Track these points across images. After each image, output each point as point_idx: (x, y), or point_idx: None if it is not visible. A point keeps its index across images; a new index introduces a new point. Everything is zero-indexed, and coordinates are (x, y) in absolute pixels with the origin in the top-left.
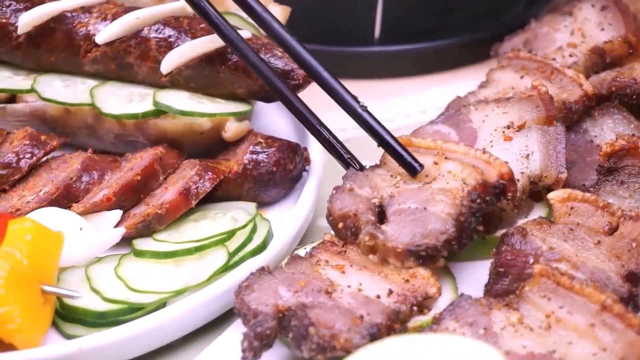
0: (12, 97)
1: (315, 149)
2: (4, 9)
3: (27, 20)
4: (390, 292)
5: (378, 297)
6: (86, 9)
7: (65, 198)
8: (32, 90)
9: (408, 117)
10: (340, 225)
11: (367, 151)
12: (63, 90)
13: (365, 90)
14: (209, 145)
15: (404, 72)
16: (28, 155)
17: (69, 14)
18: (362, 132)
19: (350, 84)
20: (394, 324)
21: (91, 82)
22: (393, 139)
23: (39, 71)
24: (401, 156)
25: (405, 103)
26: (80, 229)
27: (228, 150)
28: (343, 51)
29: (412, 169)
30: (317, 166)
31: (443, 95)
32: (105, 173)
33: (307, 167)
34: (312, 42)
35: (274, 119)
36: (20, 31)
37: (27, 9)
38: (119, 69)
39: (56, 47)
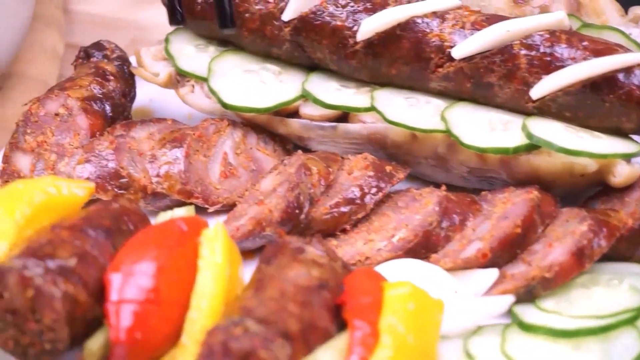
0: (343, 114)
1: None
2: (339, 8)
3: (371, 27)
4: None
5: None
6: (439, 15)
7: (423, 247)
8: (372, 109)
9: None
10: None
11: None
12: (407, 110)
13: None
14: (583, 189)
15: None
16: (373, 190)
17: (420, 21)
18: None
19: None
20: None
21: (437, 102)
22: None
23: (371, 84)
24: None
25: None
26: (455, 291)
27: (610, 198)
28: None
29: (227, 23)
30: None
31: None
32: (466, 218)
33: None
34: None
35: None
36: (360, 37)
37: (367, 10)
38: (474, 89)
39: (400, 58)
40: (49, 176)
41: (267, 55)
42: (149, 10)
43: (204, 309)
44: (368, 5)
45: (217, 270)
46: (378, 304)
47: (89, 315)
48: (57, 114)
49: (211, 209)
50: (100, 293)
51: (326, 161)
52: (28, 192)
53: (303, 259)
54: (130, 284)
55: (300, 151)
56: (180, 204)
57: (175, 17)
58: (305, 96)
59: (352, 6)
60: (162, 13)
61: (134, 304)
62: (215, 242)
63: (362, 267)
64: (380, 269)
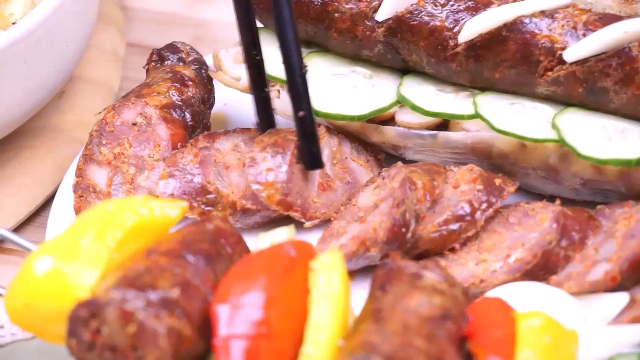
0: (443, 121)
1: None
2: (438, 7)
3: (475, 28)
4: None
5: None
6: (548, 14)
7: (542, 269)
8: (476, 116)
9: None
10: None
11: None
12: (514, 117)
13: None
14: None
15: None
16: (484, 205)
17: (527, 20)
18: None
19: None
20: None
21: (544, 107)
22: (311, 119)
23: (470, 88)
24: (310, 144)
25: None
26: (585, 319)
27: None
28: None
29: (313, 164)
30: None
31: None
32: (586, 236)
33: None
34: None
35: None
36: (462, 39)
37: (469, 9)
38: (586, 94)
39: (506, 61)
40: (140, 196)
41: (355, 58)
42: (210, 6)
43: (322, 344)
44: (470, 3)
45: (335, 301)
46: (511, 338)
47: (194, 352)
48: (134, 124)
49: (308, 224)
50: (204, 327)
51: (430, 174)
52: (118, 214)
53: (422, 286)
54: (239, 317)
55: (400, 163)
56: (270, 221)
57: (315, 164)
58: (402, 102)
59: (452, 5)
60: (224, 9)
61: (244, 339)
62: (332, 270)
63: (477, 290)
64: (496, 292)
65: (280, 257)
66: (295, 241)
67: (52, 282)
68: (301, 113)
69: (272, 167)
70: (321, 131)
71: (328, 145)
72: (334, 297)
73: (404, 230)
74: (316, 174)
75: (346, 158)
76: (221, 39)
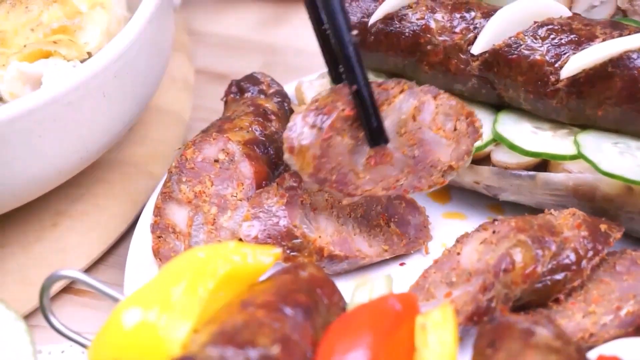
0: (542, 161)
1: None
2: (538, 40)
3: (579, 63)
4: None
5: None
6: None
7: None
8: (579, 156)
9: None
10: None
11: None
12: (618, 158)
13: None
14: None
15: None
16: (590, 253)
17: (635, 56)
18: None
19: None
20: None
21: None
22: (368, 91)
23: (568, 126)
24: (368, 118)
25: None
26: None
27: None
28: None
29: (374, 139)
30: None
31: None
32: None
33: None
34: None
35: None
36: (565, 74)
37: (571, 43)
38: None
39: (610, 98)
40: (233, 242)
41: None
42: (280, 31)
43: None
44: (573, 37)
45: None
46: None
47: None
48: (216, 160)
49: (345, 202)
50: None
51: (539, 240)
52: (211, 262)
53: (536, 343)
54: None
55: (513, 221)
56: (359, 267)
57: (376, 140)
58: (498, 140)
59: (553, 38)
60: (295, 33)
61: None
62: (444, 329)
63: (586, 345)
64: (609, 349)
65: (385, 312)
66: (399, 294)
67: (142, 335)
68: (354, 87)
69: (307, 137)
70: (395, 91)
71: (396, 112)
72: (446, 357)
73: (485, 318)
74: (367, 147)
75: (420, 128)
76: (293, 65)
